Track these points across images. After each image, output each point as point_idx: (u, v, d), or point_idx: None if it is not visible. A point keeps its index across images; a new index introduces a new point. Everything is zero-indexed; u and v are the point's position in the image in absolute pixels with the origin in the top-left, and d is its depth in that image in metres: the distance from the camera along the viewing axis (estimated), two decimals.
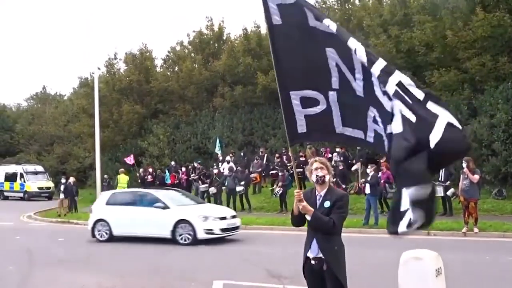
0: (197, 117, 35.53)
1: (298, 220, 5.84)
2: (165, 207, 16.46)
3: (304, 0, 5.01)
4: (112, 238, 16.98)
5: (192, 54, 38.33)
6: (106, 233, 17.17)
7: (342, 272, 5.64)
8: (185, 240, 15.69)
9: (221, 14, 78.53)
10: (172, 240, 15.81)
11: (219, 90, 34.41)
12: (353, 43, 4.72)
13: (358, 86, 4.87)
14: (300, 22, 5.00)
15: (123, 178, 27.78)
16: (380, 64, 4.57)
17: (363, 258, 11.00)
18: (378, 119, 4.87)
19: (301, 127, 5.38)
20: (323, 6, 32.53)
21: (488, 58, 22.61)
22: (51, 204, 32.27)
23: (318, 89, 5.16)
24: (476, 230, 15.65)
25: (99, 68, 32.62)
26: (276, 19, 5.15)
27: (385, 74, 4.51)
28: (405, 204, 4.24)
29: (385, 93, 4.54)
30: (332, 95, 5.12)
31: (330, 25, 4.82)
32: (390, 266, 7.73)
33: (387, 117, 4.60)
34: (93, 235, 17.33)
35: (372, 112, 4.89)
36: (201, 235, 15.53)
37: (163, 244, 16.48)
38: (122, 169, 29.38)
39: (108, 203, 17.85)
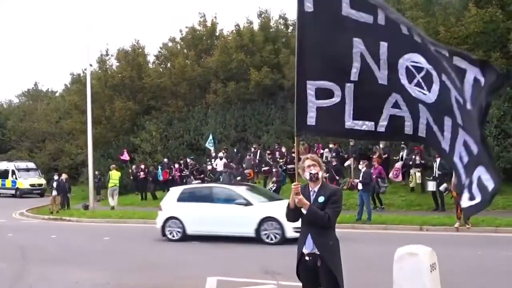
0: (189, 113, 35.43)
1: (294, 214, 5.84)
2: (248, 203, 15.37)
3: None
4: (185, 237, 15.75)
5: (185, 50, 38.17)
6: (178, 232, 15.95)
7: (338, 267, 5.67)
8: (271, 239, 14.61)
9: (214, 10, 78.48)
10: (255, 239, 14.69)
11: (212, 87, 34.32)
12: (392, 33, 4.85)
13: (382, 74, 5.00)
14: (332, 11, 5.05)
15: (115, 174, 27.70)
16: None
17: (356, 254, 11.02)
18: (402, 103, 5.02)
19: (311, 119, 5.42)
20: None
21: (480, 54, 22.63)
22: (43, 201, 32.19)
23: (335, 80, 5.23)
24: (468, 225, 15.72)
25: (91, 65, 32.58)
26: (308, 5, 5.17)
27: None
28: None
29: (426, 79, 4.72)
30: (349, 87, 5.19)
31: (372, 14, 4.88)
32: (384, 261, 7.76)
33: (416, 103, 4.86)
34: (163, 234, 16.17)
35: (394, 98, 5.04)
36: (290, 233, 14.07)
37: (156, 240, 16.49)
38: (114, 165, 29.29)
39: (180, 200, 16.59)
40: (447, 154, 4.86)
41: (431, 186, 19.25)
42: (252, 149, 27.59)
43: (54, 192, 27.27)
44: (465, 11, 22.94)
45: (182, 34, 39.11)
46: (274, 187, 22.46)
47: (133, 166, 31.37)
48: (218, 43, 36.20)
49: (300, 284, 6.04)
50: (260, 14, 36.63)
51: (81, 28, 64.79)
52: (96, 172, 30.46)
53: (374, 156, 21.68)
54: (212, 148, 29.56)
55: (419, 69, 4.77)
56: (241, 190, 16.27)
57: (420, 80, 4.78)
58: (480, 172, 4.35)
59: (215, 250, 13.90)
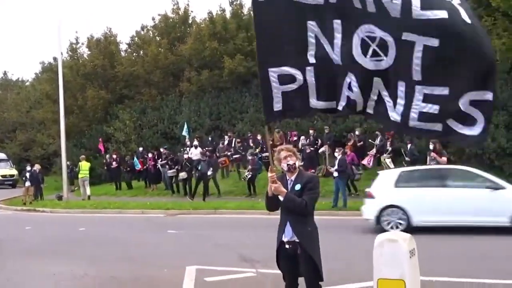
0: (163, 102, 35.24)
1: (272, 203, 5.93)
2: (497, 187, 13.10)
3: None
4: (409, 229, 12.28)
5: (158, 38, 37.90)
6: (400, 223, 13.43)
7: (317, 254, 5.76)
8: None
9: None
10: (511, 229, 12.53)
11: (186, 75, 34.16)
12: (343, 10, 4.97)
13: (336, 56, 5.16)
14: None
15: (85, 165, 27.41)
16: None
17: (333, 240, 11.12)
18: (354, 84, 5.17)
19: (277, 105, 5.55)
20: None
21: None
22: (15, 192, 31.70)
23: (295, 65, 5.35)
24: None
25: (62, 53, 32.07)
26: None
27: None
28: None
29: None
30: (309, 70, 5.33)
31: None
32: (360, 247, 7.88)
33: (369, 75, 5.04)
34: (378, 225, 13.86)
35: (349, 78, 5.18)
36: None
37: (132, 230, 16.44)
38: (83, 156, 28.91)
39: (398, 184, 14.01)
40: (399, 124, 5.06)
41: None
42: (227, 137, 27.55)
43: (27, 183, 26.92)
44: None
45: (154, 22, 38.91)
46: (250, 175, 22.49)
47: (107, 156, 31.05)
48: (191, 31, 35.99)
49: (279, 271, 6.11)
50: (232, 1, 36.46)
51: (52, 16, 63.70)
52: (69, 163, 30.07)
53: (348, 144, 21.85)
54: (187, 137, 29.43)
55: (372, 38, 4.91)
56: (483, 172, 13.91)
57: (376, 48, 4.93)
58: (464, 103, 4.68)
59: (193, 240, 13.88)
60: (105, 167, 30.94)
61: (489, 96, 4.62)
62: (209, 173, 22.76)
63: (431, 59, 4.66)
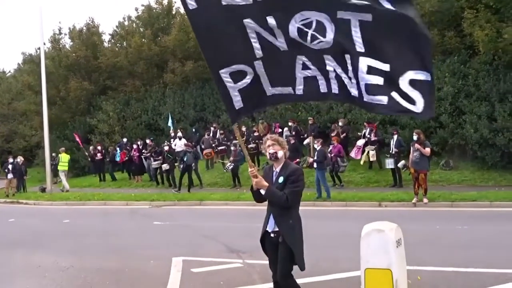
0: (147, 93, 35.05)
1: (257, 195, 6.05)
2: None
3: None
4: None
5: (141, 29, 37.60)
6: None
7: (297, 245, 5.86)
8: None
9: None
10: None
11: (170, 66, 33.94)
12: (274, 5, 5.07)
13: (280, 42, 5.27)
14: (213, 3, 5.22)
15: (64, 157, 27.29)
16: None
17: (318, 231, 11.18)
18: (309, 63, 5.33)
19: (238, 103, 5.66)
20: None
21: (435, 33, 23.06)
22: None
23: (243, 61, 5.46)
24: (425, 200, 16.13)
25: (44, 44, 31.72)
26: (191, 3, 5.31)
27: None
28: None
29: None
30: (258, 63, 5.45)
31: None
32: (346, 237, 7.94)
33: (319, 55, 5.18)
34: None
35: (301, 60, 5.33)
36: None
37: (117, 221, 16.38)
38: (63, 148, 28.72)
39: None
40: (358, 99, 5.18)
41: (389, 164, 19.57)
42: (212, 129, 27.50)
43: (10, 175, 26.69)
44: None
45: (138, 13, 38.57)
46: (232, 166, 22.51)
47: (91, 147, 30.83)
48: (175, 22, 35.70)
49: (265, 262, 6.18)
50: None
51: (33, 5, 62.89)
52: (53, 154, 29.87)
53: (332, 135, 21.91)
54: (171, 128, 29.34)
55: (308, 25, 5.04)
56: None
57: (313, 33, 5.07)
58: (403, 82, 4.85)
59: (179, 231, 13.86)
60: (89, 159, 30.74)
61: (427, 76, 4.77)
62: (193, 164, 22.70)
63: (368, 33, 4.82)
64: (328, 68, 5.26)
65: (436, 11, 22.81)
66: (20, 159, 28.13)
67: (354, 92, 5.17)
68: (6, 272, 10.02)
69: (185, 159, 22.44)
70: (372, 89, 4.99)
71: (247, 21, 5.22)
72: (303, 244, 5.98)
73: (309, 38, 5.10)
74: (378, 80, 4.93)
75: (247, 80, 5.52)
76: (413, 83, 4.81)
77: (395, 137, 19.47)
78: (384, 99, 4.97)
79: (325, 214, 15.43)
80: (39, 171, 35.74)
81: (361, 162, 21.81)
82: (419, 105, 4.82)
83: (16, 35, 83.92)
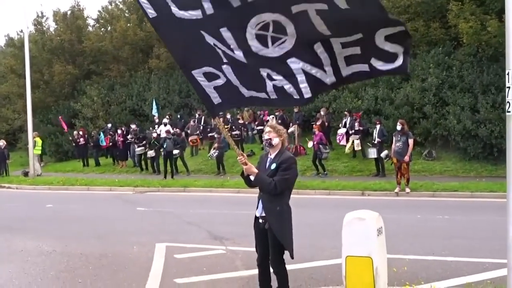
0: (132, 78, 34.81)
1: (248, 181, 6.15)
2: None
3: None
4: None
5: (126, 14, 37.30)
6: None
7: (284, 232, 5.92)
8: None
9: None
10: None
11: (155, 51, 33.74)
12: (224, 17, 4.97)
13: (239, 56, 5.18)
14: (168, 14, 5.19)
15: (38, 141, 27.41)
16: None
17: (301, 219, 11.19)
18: (273, 73, 5.24)
19: (216, 99, 5.65)
20: None
21: (421, 24, 23.19)
22: None
23: (212, 65, 5.43)
24: (408, 190, 16.32)
25: (27, 27, 31.32)
26: (151, 12, 5.30)
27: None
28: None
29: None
30: (226, 68, 5.40)
31: (199, 8, 4.99)
32: (329, 225, 8.04)
33: (282, 61, 5.09)
34: None
35: (265, 72, 5.26)
36: None
37: (100, 207, 16.36)
38: (36, 132, 28.66)
39: None
40: (336, 82, 5.19)
41: (372, 153, 19.73)
42: (197, 115, 27.46)
43: None
44: None
45: None
46: (216, 153, 22.52)
47: (74, 132, 30.64)
48: None
49: (248, 248, 6.27)
50: None
51: None
52: (38, 138, 29.65)
53: (317, 123, 22.00)
54: (156, 115, 29.24)
55: (265, 27, 4.93)
56: None
57: (273, 35, 4.97)
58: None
59: (162, 217, 13.90)
60: (73, 144, 30.55)
61: (401, 27, 4.77)
62: (175, 151, 22.65)
63: (329, 20, 4.74)
64: (295, 72, 5.17)
65: (422, 1, 22.92)
66: (2, 142, 27.88)
67: (331, 79, 5.14)
68: None
69: (164, 146, 22.42)
70: (352, 59, 4.98)
71: (203, 33, 5.18)
72: (291, 233, 6.04)
73: (269, 41, 5.02)
74: (355, 50, 4.91)
75: (220, 81, 5.51)
76: (389, 37, 4.80)
77: (378, 126, 19.64)
78: (365, 67, 4.99)
79: (309, 202, 15.52)
80: (21, 155, 35.43)
81: (346, 151, 21.99)
82: (399, 58, 4.85)
83: None
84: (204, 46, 5.27)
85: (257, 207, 6.11)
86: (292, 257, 5.97)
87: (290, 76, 5.20)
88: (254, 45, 5.07)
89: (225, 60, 5.34)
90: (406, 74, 5.47)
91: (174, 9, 5.11)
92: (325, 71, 5.11)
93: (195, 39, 5.26)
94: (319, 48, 4.98)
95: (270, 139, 6.00)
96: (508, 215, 3.70)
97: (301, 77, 5.19)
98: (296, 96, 5.30)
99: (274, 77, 5.25)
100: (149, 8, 5.26)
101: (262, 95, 5.46)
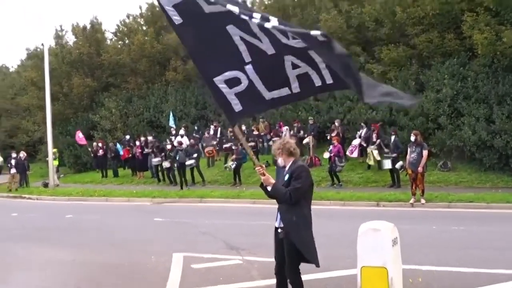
0: (149, 90, 35.07)
1: (266, 191, 6.24)
2: None
3: None
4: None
5: (144, 27, 37.66)
6: None
7: (303, 241, 6.03)
8: None
9: None
10: None
11: (172, 64, 34.01)
12: (246, 13, 5.07)
13: (265, 45, 5.30)
14: (197, 13, 5.30)
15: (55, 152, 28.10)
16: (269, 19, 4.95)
17: (317, 229, 11.24)
18: (297, 61, 5.36)
19: (237, 106, 5.76)
20: None
21: (435, 35, 23.15)
22: (0, 179, 31.56)
23: (235, 67, 5.54)
24: (423, 201, 16.22)
25: (47, 41, 31.79)
26: (176, 19, 5.44)
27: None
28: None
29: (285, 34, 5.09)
30: (249, 68, 5.51)
31: (227, 4, 5.13)
32: (344, 236, 8.06)
33: (304, 51, 5.19)
34: None
35: (288, 61, 5.38)
36: None
37: (118, 217, 16.48)
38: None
39: None
40: (346, 84, 5.12)
41: (387, 164, 19.66)
42: (212, 127, 27.58)
43: (13, 170, 26.84)
44: None
45: (141, 11, 38.60)
46: (234, 165, 22.60)
47: (94, 144, 30.95)
48: None
49: (264, 259, 6.33)
50: None
51: (37, 2, 62.88)
52: (55, 150, 30.00)
53: (332, 135, 22.00)
54: (173, 126, 29.44)
55: (284, 27, 5.01)
56: None
57: (293, 34, 5.05)
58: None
59: (179, 227, 13.97)
60: (92, 155, 30.86)
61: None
62: (189, 162, 22.82)
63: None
64: (316, 60, 5.30)
65: (437, 13, 22.87)
66: (23, 154, 28.28)
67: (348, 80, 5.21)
68: (9, 265, 10.16)
69: (177, 158, 22.59)
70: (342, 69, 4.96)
71: (230, 27, 5.28)
72: (312, 241, 6.12)
73: (290, 36, 5.12)
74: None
75: (243, 86, 5.60)
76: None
77: (392, 138, 19.58)
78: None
79: (324, 213, 15.46)
80: (41, 166, 35.82)
81: (369, 162, 21.80)
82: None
83: (20, 31, 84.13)
84: (229, 46, 5.39)
85: (276, 218, 6.20)
86: (317, 266, 6.08)
87: (312, 63, 5.33)
88: (277, 35, 5.18)
89: (248, 60, 5.46)
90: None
91: (204, 5, 5.23)
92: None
93: (220, 38, 5.37)
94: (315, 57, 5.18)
95: (276, 160, 6.20)
96: None
97: (322, 65, 5.33)
98: (319, 83, 5.44)
99: (298, 63, 5.37)
100: (175, 14, 5.40)
101: (285, 91, 5.59)
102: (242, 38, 5.32)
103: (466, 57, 22.94)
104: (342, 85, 5.30)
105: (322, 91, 5.75)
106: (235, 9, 5.03)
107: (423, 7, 23.06)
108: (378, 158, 21.29)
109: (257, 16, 5.03)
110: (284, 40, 5.19)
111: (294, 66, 5.41)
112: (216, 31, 5.34)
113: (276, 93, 5.65)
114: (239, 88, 5.62)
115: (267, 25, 5.00)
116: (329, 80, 5.41)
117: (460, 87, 22.08)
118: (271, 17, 4.93)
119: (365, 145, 22.10)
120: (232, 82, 5.59)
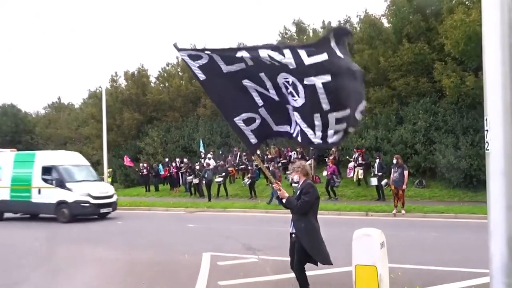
0: (184, 122, 35.22)
1: (281, 203, 6.33)
2: None
3: (216, 51, 5.39)
4: None
5: (180, 73, 38.06)
6: None
7: (311, 244, 6.02)
8: None
9: (205, 40, 78.00)
10: None
11: (202, 101, 34.16)
12: (262, 67, 5.20)
13: (272, 94, 5.40)
14: (217, 72, 5.43)
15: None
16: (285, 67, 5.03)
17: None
18: (293, 112, 5.38)
19: (253, 140, 5.81)
20: (285, 36, 32.43)
21: (411, 79, 23.10)
22: None
23: (251, 111, 5.63)
24: (403, 212, 16.02)
25: (105, 85, 32.13)
26: (201, 76, 5.55)
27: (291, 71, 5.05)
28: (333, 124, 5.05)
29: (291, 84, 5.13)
30: (262, 110, 5.61)
31: (242, 61, 5.24)
32: (339, 240, 7.93)
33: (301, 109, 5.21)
34: None
35: (289, 107, 5.40)
36: None
37: (159, 223, 16.41)
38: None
39: None
40: (321, 143, 5.23)
41: (373, 181, 19.52)
42: (234, 151, 27.58)
43: None
44: (400, 45, 23.36)
45: (178, 60, 38.98)
46: (249, 181, 22.64)
47: (140, 165, 31.14)
48: None
49: (277, 258, 6.28)
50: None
51: (97, 52, 63.95)
52: (110, 170, 30.14)
53: (330, 158, 21.90)
54: (203, 151, 29.56)
55: (288, 82, 5.11)
56: None
57: (292, 91, 5.13)
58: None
59: (208, 232, 13.88)
60: (138, 173, 31.06)
61: (364, 102, 5.23)
62: (218, 180, 22.88)
63: (331, 91, 4.87)
64: (292, 121, 5.44)
65: (413, 61, 22.87)
66: None
67: (317, 141, 5.21)
68: (65, 264, 10.12)
69: (205, 176, 22.74)
70: (338, 132, 5.13)
71: (245, 82, 5.40)
72: (320, 244, 6.08)
73: (289, 93, 5.16)
74: (343, 126, 5.09)
75: (257, 123, 5.68)
76: (361, 111, 5.14)
77: (377, 160, 19.48)
78: (342, 134, 5.20)
79: (323, 221, 15.29)
80: None
81: (354, 179, 21.75)
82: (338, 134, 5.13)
83: (82, 75, 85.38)
84: (244, 95, 5.49)
85: (291, 225, 6.20)
86: (329, 264, 6.10)
87: (309, 116, 5.23)
88: (283, 90, 5.25)
89: (261, 104, 5.54)
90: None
91: (223, 66, 5.35)
92: (315, 133, 5.19)
93: (238, 90, 5.48)
94: (317, 119, 5.07)
95: (292, 178, 6.19)
96: (489, 233, 3.67)
97: (297, 127, 5.36)
98: (312, 139, 5.30)
99: (297, 117, 5.35)
100: (200, 73, 5.53)
101: (287, 128, 5.64)
102: (255, 89, 5.45)
103: (437, 97, 22.84)
104: (326, 144, 5.30)
105: (310, 145, 5.87)
106: (265, 54, 5.05)
107: (401, 57, 23.07)
108: (361, 176, 21.20)
109: (269, 69, 5.13)
110: (288, 96, 5.24)
111: (293, 110, 5.43)
112: (234, 84, 5.45)
113: (280, 127, 5.73)
114: (254, 126, 5.69)
115: (278, 79, 5.14)
116: (298, 138, 5.40)
117: (432, 121, 21.95)
118: (285, 51, 4.96)
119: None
120: (249, 121, 5.66)
